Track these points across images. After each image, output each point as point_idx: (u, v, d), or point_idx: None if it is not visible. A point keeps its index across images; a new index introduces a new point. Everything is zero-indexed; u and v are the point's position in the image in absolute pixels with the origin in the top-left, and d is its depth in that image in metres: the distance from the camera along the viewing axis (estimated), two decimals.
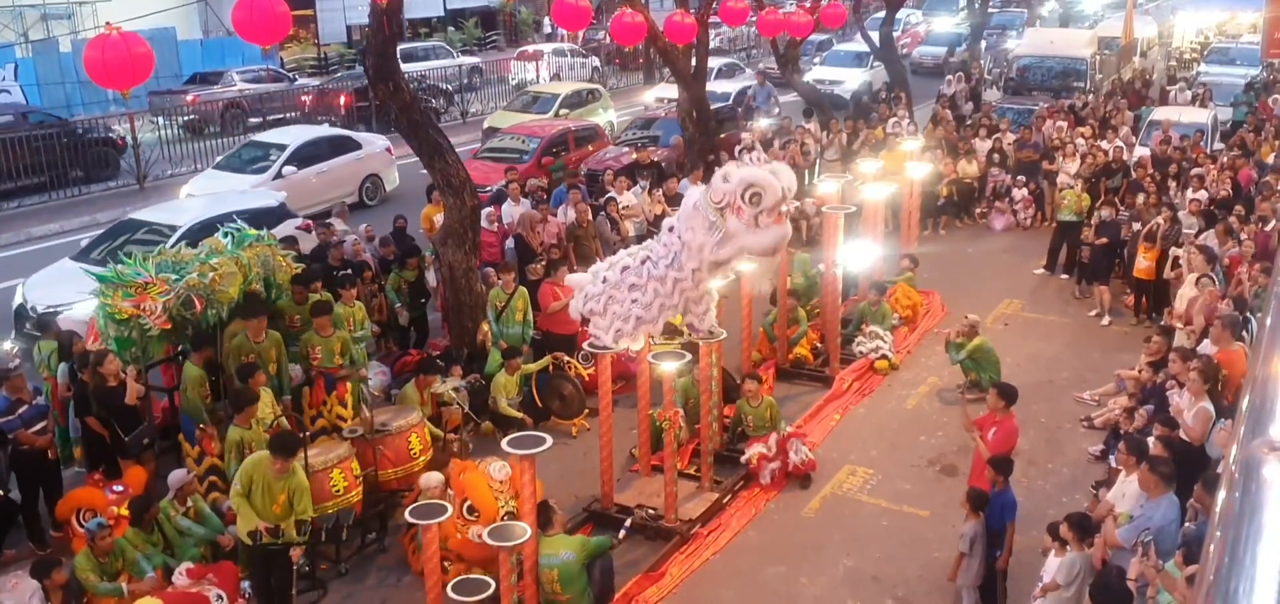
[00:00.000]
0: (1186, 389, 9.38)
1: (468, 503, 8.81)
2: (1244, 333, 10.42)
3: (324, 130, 22.35)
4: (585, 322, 9.73)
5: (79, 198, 21.65)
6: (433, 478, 9.17)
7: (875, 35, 28.39)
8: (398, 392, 11.29)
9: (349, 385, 10.68)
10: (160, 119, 25.61)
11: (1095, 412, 11.82)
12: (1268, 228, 13.59)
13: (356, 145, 20.71)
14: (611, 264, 9.41)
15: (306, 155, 19.49)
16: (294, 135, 20.74)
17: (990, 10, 42.73)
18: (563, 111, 24.70)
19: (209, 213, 14.27)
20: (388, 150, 21.23)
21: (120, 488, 9.35)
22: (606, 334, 9.22)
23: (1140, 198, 15.33)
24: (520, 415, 11.47)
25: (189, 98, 28.72)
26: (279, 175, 18.72)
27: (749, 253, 8.71)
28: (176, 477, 9.25)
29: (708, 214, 8.57)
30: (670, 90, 27.30)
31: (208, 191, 17.70)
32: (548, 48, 37.34)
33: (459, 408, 11.00)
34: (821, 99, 24.88)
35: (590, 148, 20.72)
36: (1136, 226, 14.64)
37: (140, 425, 9.84)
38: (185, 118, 27.25)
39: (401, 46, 38.90)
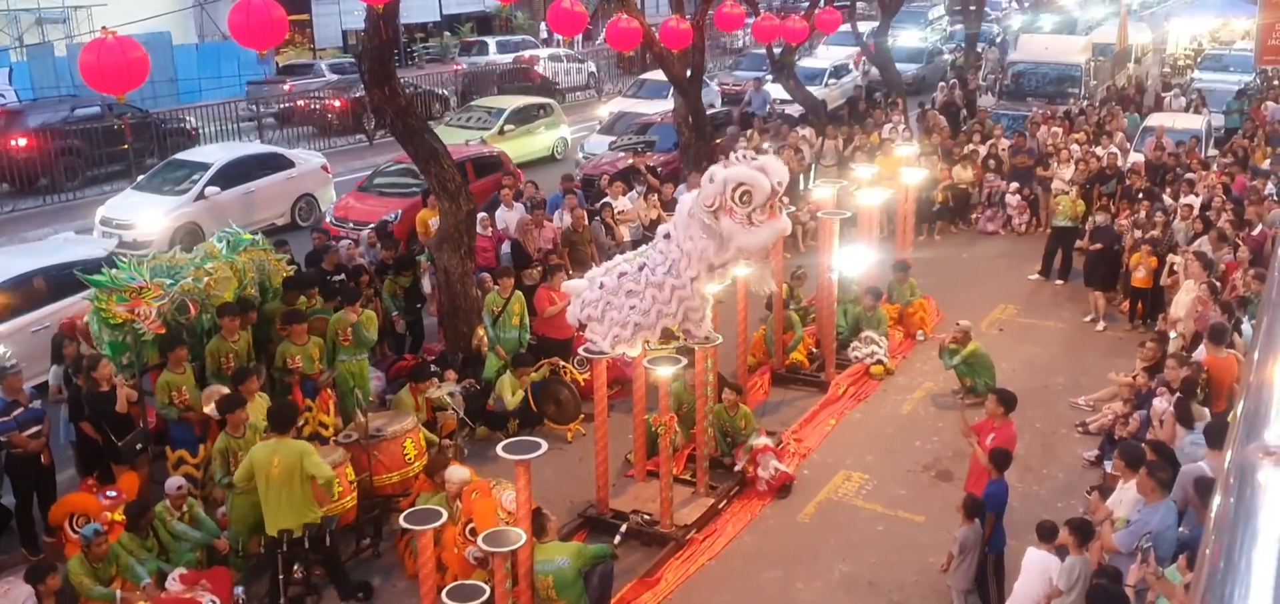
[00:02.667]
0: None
1: (471, 525, 8.78)
2: (1237, 336, 10.45)
3: (253, 147, 21.32)
4: (582, 328, 9.73)
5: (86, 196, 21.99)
6: (459, 473, 9.16)
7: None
8: (392, 396, 11.29)
9: (330, 393, 10.70)
10: (258, 107, 28.17)
11: (1090, 417, 11.83)
12: (1255, 232, 13.64)
13: (289, 163, 19.67)
14: (608, 270, 9.41)
15: (232, 174, 18.44)
16: (219, 153, 19.60)
17: (954, 24, 42.56)
18: (508, 128, 23.72)
19: (14, 270, 12.46)
20: (324, 168, 20.19)
21: (114, 493, 9.32)
22: (604, 340, 9.22)
23: (1144, 215, 15.31)
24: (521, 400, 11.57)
25: (286, 86, 31.35)
26: (201, 196, 17.79)
27: (746, 252, 8.72)
28: (174, 483, 9.24)
29: (703, 219, 8.58)
30: (626, 105, 26.52)
31: (123, 216, 17.26)
32: (544, 53, 37.28)
33: (454, 413, 11.00)
34: (817, 104, 24.91)
35: (502, 178, 18.14)
36: (1138, 233, 14.65)
37: (134, 430, 9.82)
38: (280, 106, 28.98)
39: (495, 39, 39.27)
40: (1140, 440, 9.30)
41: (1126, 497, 8.18)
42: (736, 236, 8.49)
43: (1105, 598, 6.96)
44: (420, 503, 8.93)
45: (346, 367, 11.02)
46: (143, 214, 17.31)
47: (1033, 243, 17.98)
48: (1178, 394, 9.29)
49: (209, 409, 9.73)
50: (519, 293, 12.43)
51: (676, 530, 9.60)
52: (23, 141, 22.09)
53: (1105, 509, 8.22)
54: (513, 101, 25.97)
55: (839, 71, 30.90)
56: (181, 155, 20.04)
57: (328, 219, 17.60)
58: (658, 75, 29.22)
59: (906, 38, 37.66)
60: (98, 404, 9.69)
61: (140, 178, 19.55)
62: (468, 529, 8.78)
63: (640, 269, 9.07)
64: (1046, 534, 7.84)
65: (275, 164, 19.51)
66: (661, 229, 9.42)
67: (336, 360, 10.96)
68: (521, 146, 23.60)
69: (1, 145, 22.03)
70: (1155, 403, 9.88)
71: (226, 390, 9.78)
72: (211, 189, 17.93)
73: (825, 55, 31.82)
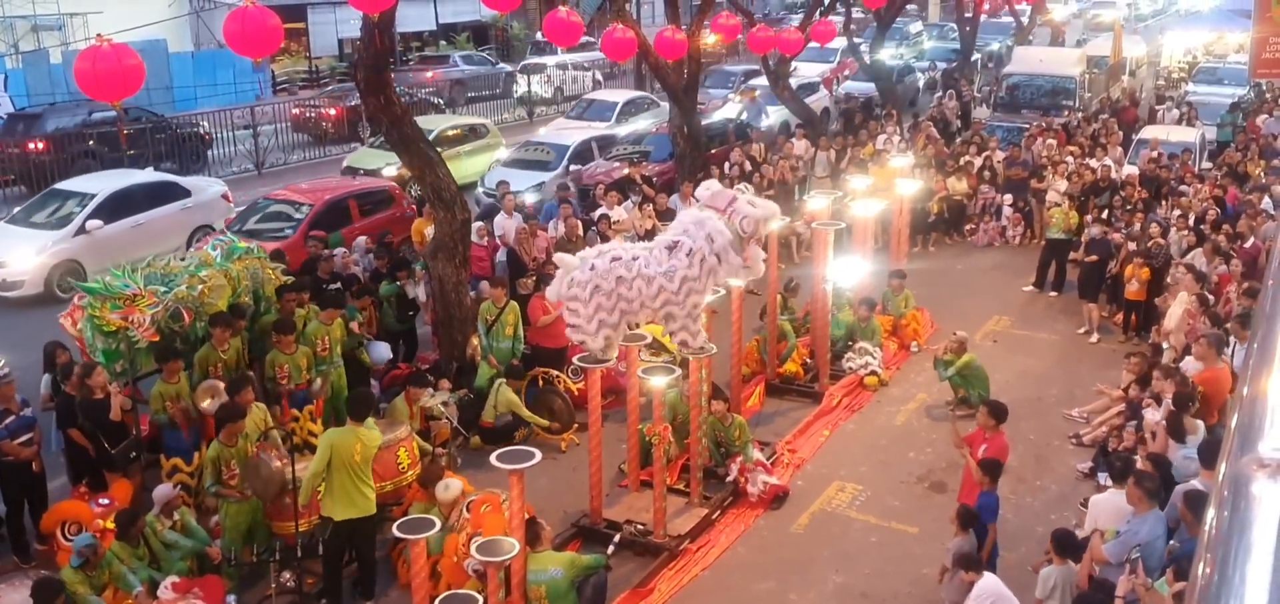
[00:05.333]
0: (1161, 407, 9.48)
1: (478, 539, 8.73)
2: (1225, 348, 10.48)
3: (144, 176, 18.93)
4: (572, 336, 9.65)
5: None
6: (453, 487, 9.13)
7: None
8: (386, 405, 11.27)
9: (321, 402, 10.68)
10: (402, 89, 29.71)
11: (1083, 429, 11.84)
12: (1247, 244, 13.68)
13: (184, 192, 17.98)
14: (602, 253, 9.31)
15: (118, 206, 16.83)
16: (104, 183, 17.66)
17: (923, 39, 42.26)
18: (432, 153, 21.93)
19: None
20: (225, 197, 18.53)
21: (106, 501, 9.29)
22: (588, 324, 9.05)
23: (1138, 227, 15.35)
24: (527, 416, 11.64)
25: (428, 74, 36.17)
26: (82, 231, 16.21)
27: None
28: (162, 492, 9.21)
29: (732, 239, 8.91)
30: (551, 132, 24.59)
31: None
32: (550, 61, 37.03)
33: (448, 422, 10.99)
34: (812, 115, 24.92)
35: (393, 215, 16.72)
36: (1132, 245, 14.68)
37: (127, 438, 9.78)
38: (422, 93, 31.80)
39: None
40: (1135, 452, 9.33)
41: (1103, 506, 8.22)
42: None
43: None
44: (413, 512, 8.91)
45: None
46: (15, 251, 15.96)
47: (1027, 255, 18.01)
48: (1171, 410, 9.30)
49: (205, 405, 9.73)
50: (513, 303, 12.42)
51: (670, 540, 9.60)
52: (40, 145, 22.36)
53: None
54: (439, 122, 23.87)
55: (808, 90, 30.39)
56: (62, 185, 18.34)
57: None
58: (605, 96, 28.28)
59: (881, 54, 37.10)
60: (91, 411, 9.65)
61: (16, 209, 18.01)
62: (472, 543, 8.71)
63: (634, 258, 9.02)
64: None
65: (168, 194, 17.83)
66: (663, 239, 9.35)
67: (319, 368, 10.94)
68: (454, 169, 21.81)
69: (19, 149, 22.32)
70: (1146, 415, 9.90)
71: (222, 385, 9.79)
72: (93, 222, 16.33)
73: (795, 73, 31.20)
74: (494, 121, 30.47)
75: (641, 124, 24.84)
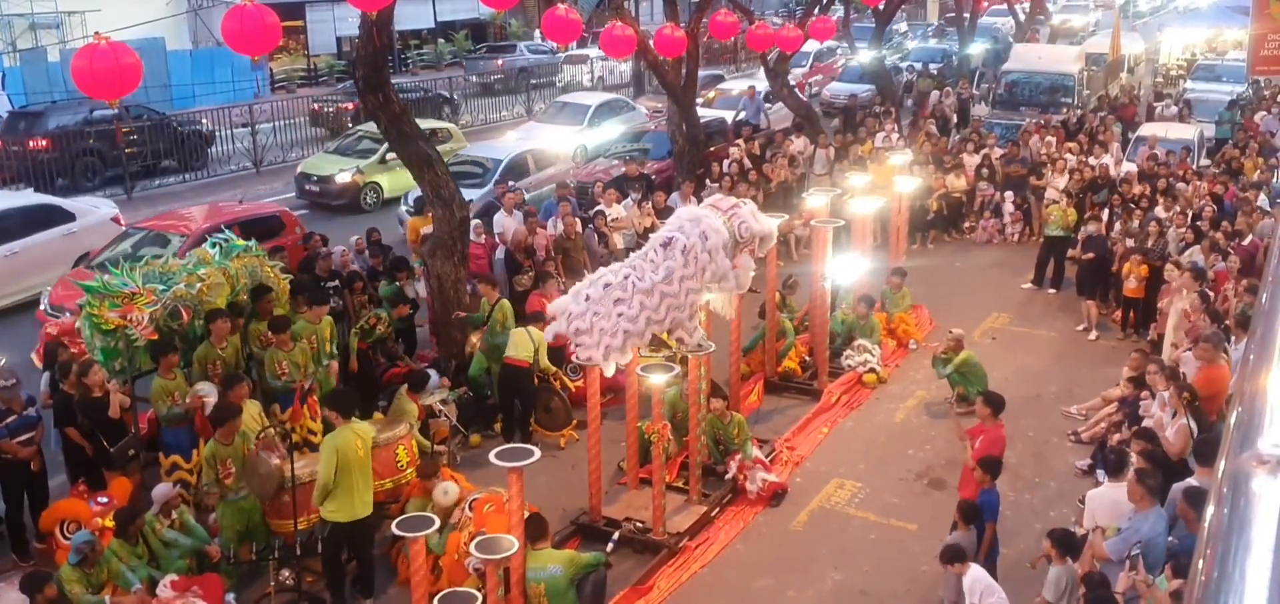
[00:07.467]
0: (1169, 404, 9.46)
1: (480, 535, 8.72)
2: (1225, 347, 10.48)
3: (21, 198, 17.07)
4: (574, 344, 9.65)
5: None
6: (449, 493, 9.12)
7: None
8: (385, 403, 11.26)
9: (316, 399, 10.67)
10: (474, 77, 37.30)
11: (1082, 426, 11.84)
12: (1245, 242, 13.69)
13: (68, 216, 16.26)
14: (592, 283, 9.32)
15: None
16: None
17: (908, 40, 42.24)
18: (390, 157, 19.45)
19: None
20: (115, 219, 16.78)
21: (105, 499, 9.29)
22: (596, 351, 9.12)
23: (1136, 225, 15.36)
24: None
25: (498, 62, 39.96)
26: None
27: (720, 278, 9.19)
28: (161, 491, 9.20)
29: (727, 244, 8.91)
30: (496, 144, 23.08)
31: None
32: (593, 52, 36.97)
33: (446, 420, 10.98)
34: (812, 112, 24.92)
35: (278, 242, 14.62)
36: (1130, 242, 14.68)
37: (125, 436, 9.78)
38: (493, 78, 37.27)
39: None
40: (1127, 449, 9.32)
41: (1100, 501, 8.22)
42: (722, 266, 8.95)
43: None
44: (411, 509, 8.91)
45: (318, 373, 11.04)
46: None
47: (1025, 252, 18.00)
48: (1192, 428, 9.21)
49: (204, 391, 9.71)
50: (504, 301, 12.36)
51: (669, 538, 9.60)
52: (43, 143, 22.56)
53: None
54: None
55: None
56: None
57: (43, 306, 13.42)
58: (578, 98, 28.01)
59: (865, 56, 36.74)
60: (90, 410, 9.64)
61: None
62: (475, 542, 8.70)
63: (625, 278, 9.02)
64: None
65: (48, 218, 16.08)
66: (657, 237, 9.38)
67: (318, 368, 10.94)
68: (407, 178, 18.53)
69: (21, 147, 22.44)
70: (1154, 411, 9.88)
71: (214, 386, 9.79)
72: None
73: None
74: (506, 114, 30.59)
75: (616, 130, 24.18)
